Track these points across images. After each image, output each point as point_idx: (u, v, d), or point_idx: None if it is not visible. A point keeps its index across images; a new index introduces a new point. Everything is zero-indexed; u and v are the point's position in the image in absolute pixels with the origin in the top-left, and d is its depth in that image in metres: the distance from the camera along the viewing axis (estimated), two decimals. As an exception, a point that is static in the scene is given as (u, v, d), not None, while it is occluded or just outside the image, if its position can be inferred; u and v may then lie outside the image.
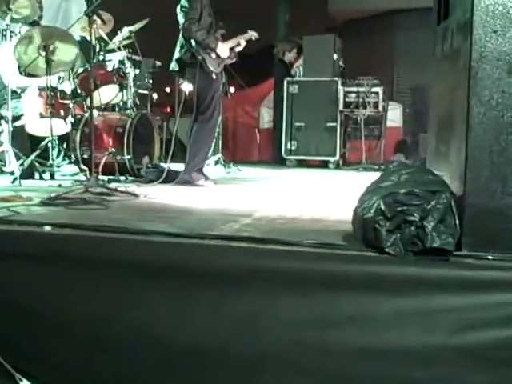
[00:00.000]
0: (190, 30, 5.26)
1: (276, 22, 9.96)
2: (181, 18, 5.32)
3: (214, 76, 5.36)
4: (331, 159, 8.65)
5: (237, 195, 4.83)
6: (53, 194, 3.99)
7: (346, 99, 8.51)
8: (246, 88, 11.81)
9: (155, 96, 9.00)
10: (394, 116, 10.03)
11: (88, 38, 5.66)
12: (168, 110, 14.31)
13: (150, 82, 7.30)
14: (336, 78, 8.65)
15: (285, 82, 8.89)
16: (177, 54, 5.42)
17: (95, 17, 4.79)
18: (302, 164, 8.90)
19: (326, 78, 8.63)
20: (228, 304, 2.43)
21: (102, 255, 2.66)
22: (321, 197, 4.83)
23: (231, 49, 5.55)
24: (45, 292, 2.66)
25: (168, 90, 15.24)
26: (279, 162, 9.02)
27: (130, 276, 2.57)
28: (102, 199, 4.02)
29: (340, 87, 8.57)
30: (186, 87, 5.53)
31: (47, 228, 2.92)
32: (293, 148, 8.78)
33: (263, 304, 2.40)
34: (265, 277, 2.41)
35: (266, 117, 10.80)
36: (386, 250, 2.31)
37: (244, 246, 2.56)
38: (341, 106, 8.56)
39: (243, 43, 5.63)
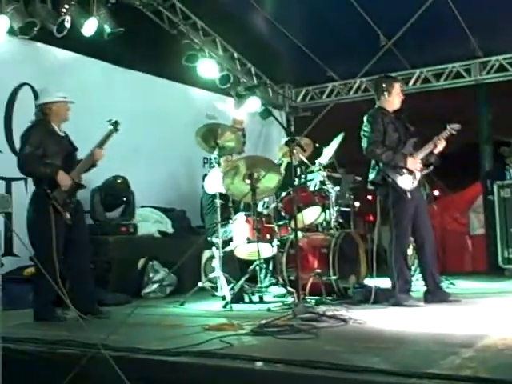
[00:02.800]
0: (374, 153, 5.17)
1: (478, 121, 9.50)
2: (364, 143, 5.23)
3: (408, 195, 5.11)
4: (559, 266, 7.82)
5: (453, 317, 4.44)
6: (262, 321, 4.02)
7: None
8: (451, 193, 11.34)
9: (357, 204, 8.92)
10: None
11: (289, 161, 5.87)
12: (371, 218, 14.17)
13: (352, 197, 7.27)
14: (555, 178, 7.99)
15: (495, 187, 8.38)
16: (370, 175, 5.33)
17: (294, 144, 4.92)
18: (522, 273, 8.13)
19: (543, 179, 8.02)
20: None
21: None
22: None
23: (430, 153, 5.28)
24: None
25: (370, 197, 15.16)
26: (496, 271, 8.35)
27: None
28: (311, 326, 3.95)
29: (561, 186, 7.88)
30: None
31: (259, 364, 2.90)
32: (511, 256, 8.13)
33: None
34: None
35: (476, 222, 10.16)
36: None
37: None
38: None
39: (442, 143, 5.26)
